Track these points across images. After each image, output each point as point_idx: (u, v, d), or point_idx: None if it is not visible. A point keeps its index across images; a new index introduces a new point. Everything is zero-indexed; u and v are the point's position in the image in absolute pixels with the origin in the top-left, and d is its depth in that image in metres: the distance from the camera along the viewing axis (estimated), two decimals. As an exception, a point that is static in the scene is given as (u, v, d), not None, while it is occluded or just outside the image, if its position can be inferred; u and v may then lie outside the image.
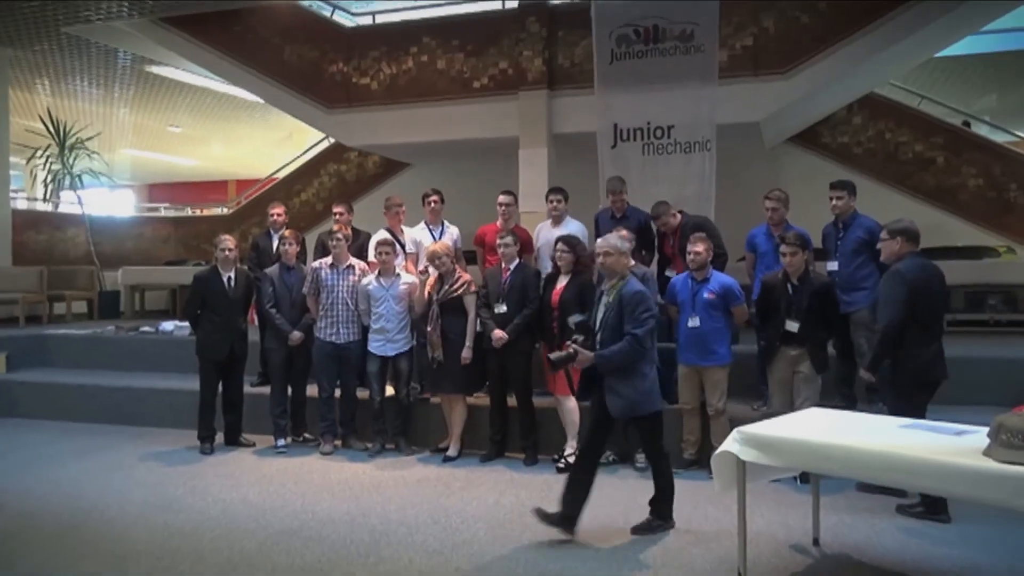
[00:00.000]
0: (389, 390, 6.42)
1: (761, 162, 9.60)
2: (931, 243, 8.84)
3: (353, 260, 6.48)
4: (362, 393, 6.45)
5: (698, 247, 5.49)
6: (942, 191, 9.42)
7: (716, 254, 5.80)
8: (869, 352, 4.76)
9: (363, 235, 7.07)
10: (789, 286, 5.30)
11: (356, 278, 6.37)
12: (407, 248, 6.73)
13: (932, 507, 4.54)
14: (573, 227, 6.43)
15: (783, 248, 5.28)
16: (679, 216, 6.38)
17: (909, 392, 4.53)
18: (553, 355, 4.44)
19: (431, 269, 6.19)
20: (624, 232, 5.71)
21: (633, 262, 5.75)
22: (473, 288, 6.08)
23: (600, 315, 4.45)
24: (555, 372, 5.12)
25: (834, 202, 5.73)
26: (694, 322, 5.47)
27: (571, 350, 4.35)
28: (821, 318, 5.23)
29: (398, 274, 6.30)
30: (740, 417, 5.60)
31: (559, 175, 8.21)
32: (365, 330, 6.35)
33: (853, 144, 9.70)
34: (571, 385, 5.64)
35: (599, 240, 4.58)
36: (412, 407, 6.41)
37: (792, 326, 5.20)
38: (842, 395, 5.68)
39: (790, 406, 5.33)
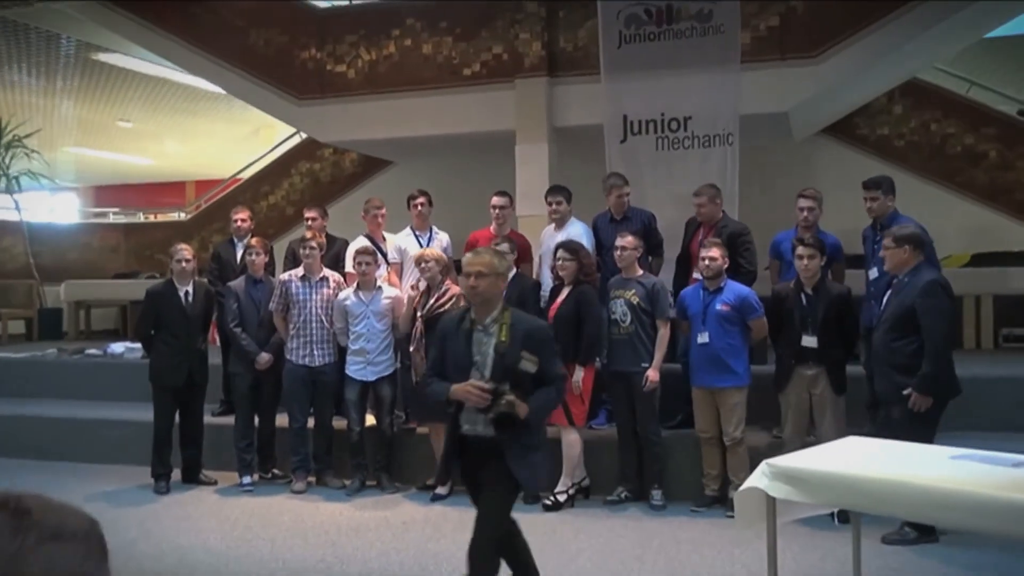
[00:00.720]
0: (370, 419, 6.44)
1: (790, 157, 9.63)
2: (983, 247, 8.95)
3: (328, 271, 6.51)
4: (339, 423, 6.46)
5: (712, 252, 5.55)
6: (995, 189, 9.45)
7: (743, 270, 5.84)
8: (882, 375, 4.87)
9: (339, 243, 7.10)
10: (803, 296, 5.35)
11: (331, 292, 6.40)
12: (390, 257, 6.75)
13: (923, 529, 4.67)
14: (576, 231, 6.47)
15: (799, 251, 5.33)
16: (722, 211, 6.36)
17: (932, 410, 4.67)
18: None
19: (422, 283, 6.23)
20: (630, 238, 5.77)
21: (640, 271, 5.83)
22: (463, 301, 6.07)
23: (490, 359, 3.63)
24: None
25: (868, 203, 5.78)
26: (703, 338, 5.53)
27: (504, 401, 3.54)
28: (838, 333, 5.28)
29: (379, 287, 6.32)
30: (761, 447, 5.64)
31: (561, 173, 8.24)
32: (342, 351, 6.37)
33: (894, 136, 9.73)
34: (569, 416, 5.66)
35: (467, 256, 3.97)
36: (396, 438, 6.42)
37: (810, 341, 5.26)
38: (872, 420, 5.70)
39: (805, 433, 5.40)
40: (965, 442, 4.32)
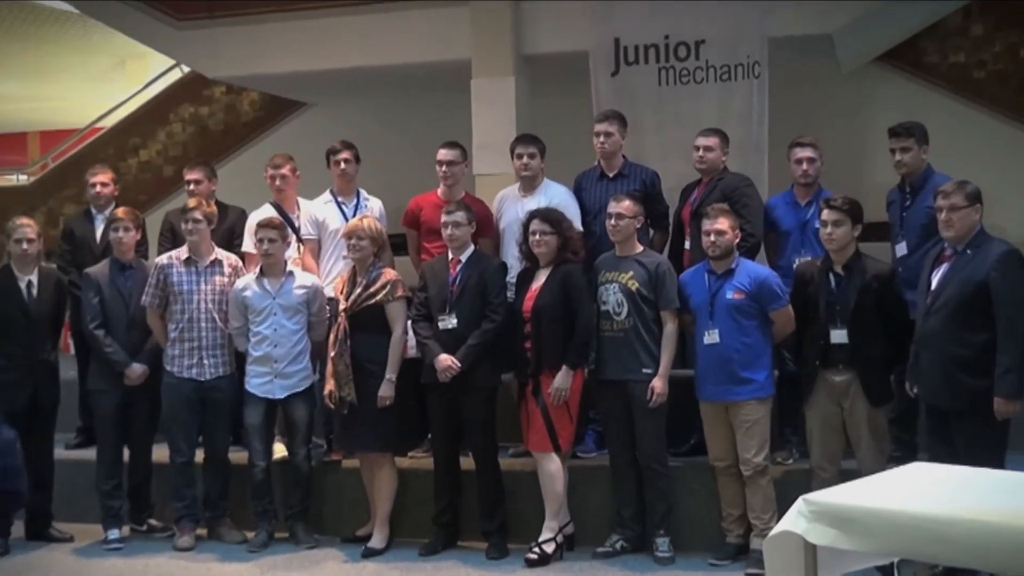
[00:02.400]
0: (280, 450, 6.42)
1: (837, 94, 9.66)
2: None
3: (220, 252, 6.47)
4: (239, 455, 6.43)
5: (719, 223, 5.58)
6: (1104, 134, 9.57)
7: (743, 235, 5.88)
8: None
9: (235, 213, 7.07)
10: (832, 277, 5.41)
11: (226, 280, 6.37)
12: (303, 232, 6.73)
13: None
14: (555, 195, 6.47)
15: (825, 215, 5.38)
16: (723, 160, 6.43)
17: (1000, 427, 4.80)
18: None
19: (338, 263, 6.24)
20: (627, 203, 5.79)
21: (640, 248, 5.86)
22: (402, 291, 6.09)
23: None
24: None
25: (898, 156, 5.87)
26: (711, 336, 5.59)
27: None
28: (879, 325, 5.34)
29: (290, 272, 6.31)
30: (790, 478, 5.74)
31: (533, 118, 8.22)
32: (241, 360, 6.35)
33: (973, 65, 9.79)
34: (554, 436, 5.69)
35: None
36: (315, 475, 6.41)
37: (838, 336, 5.33)
38: (899, 441, 5.83)
39: (838, 460, 5.47)
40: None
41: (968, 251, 4.94)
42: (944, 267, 5.05)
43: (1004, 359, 4.80)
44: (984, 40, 9.75)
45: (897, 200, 5.96)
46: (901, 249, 5.86)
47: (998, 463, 4.66)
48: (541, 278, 5.86)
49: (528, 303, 5.82)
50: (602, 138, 6.51)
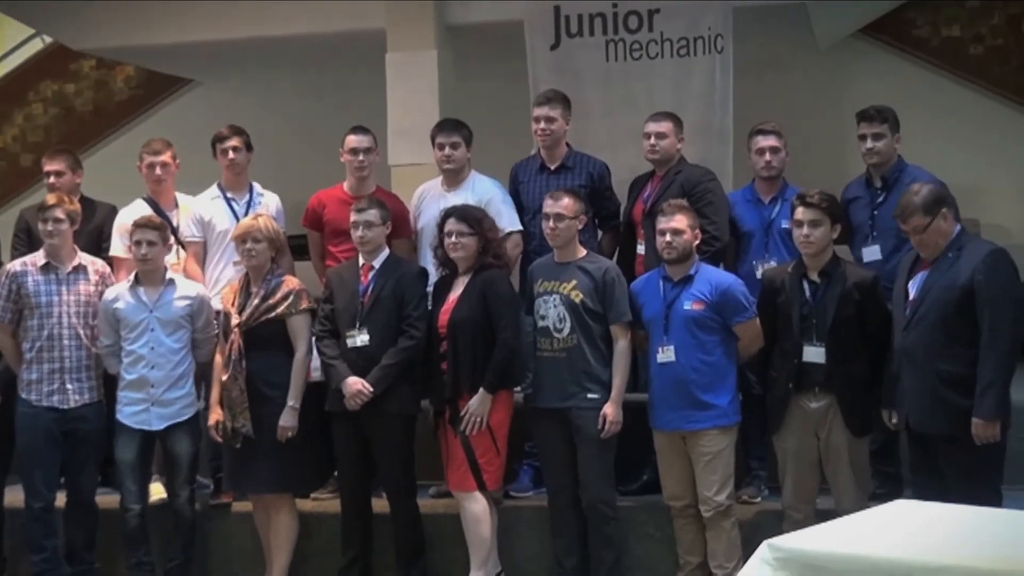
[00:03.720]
0: (157, 491, 6.37)
1: (813, 72, 9.81)
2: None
3: (84, 257, 6.42)
4: (108, 499, 6.38)
5: (676, 221, 5.61)
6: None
7: (706, 237, 5.94)
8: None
9: (104, 211, 7.01)
10: (806, 285, 5.48)
11: (92, 289, 6.31)
12: (184, 233, 6.70)
13: None
14: (484, 190, 6.49)
15: (799, 214, 5.45)
16: (678, 147, 6.47)
17: (994, 449, 4.90)
18: None
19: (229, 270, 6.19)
20: (567, 200, 5.80)
21: (585, 252, 5.88)
22: (307, 302, 6.08)
23: None
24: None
25: (869, 143, 6.01)
26: (667, 354, 5.61)
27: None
28: (861, 342, 5.41)
29: (170, 280, 6.27)
30: (756, 519, 5.80)
31: (460, 99, 8.24)
32: (112, 384, 6.29)
33: (969, 40, 9.98)
34: (477, 472, 5.68)
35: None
36: (199, 520, 6.36)
37: (814, 354, 5.39)
38: (882, 475, 5.93)
39: (812, 499, 5.53)
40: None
41: (949, 254, 5.05)
42: (923, 273, 5.15)
43: (984, 373, 4.91)
44: (981, 11, 9.95)
45: (864, 197, 6.08)
46: (871, 254, 5.96)
47: (994, 499, 4.73)
48: (459, 287, 5.87)
49: (444, 316, 5.82)
50: (542, 124, 6.53)
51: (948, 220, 5.06)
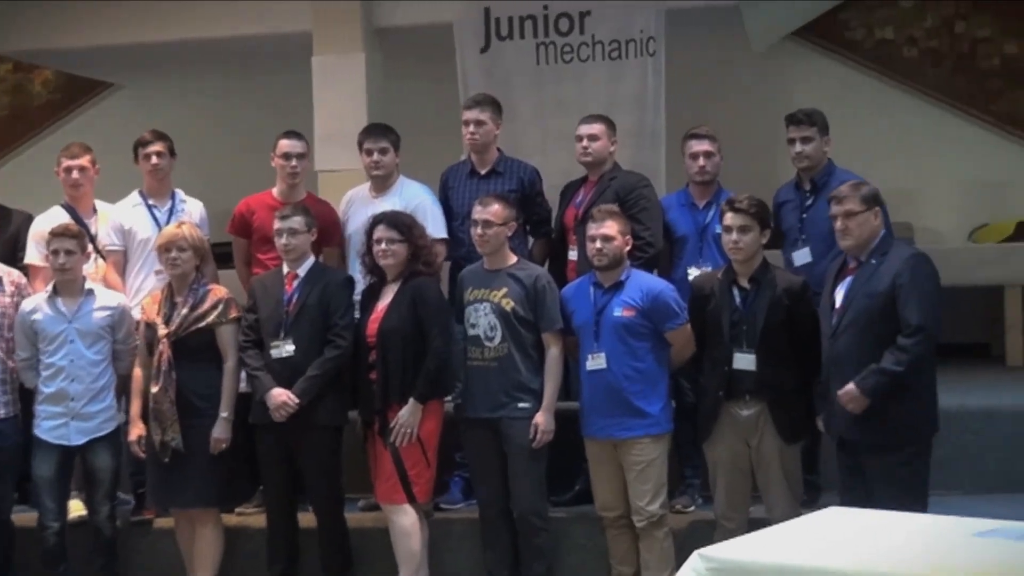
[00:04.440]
0: (77, 508, 6.32)
1: (747, 75, 9.87)
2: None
3: None
4: (26, 516, 6.34)
5: (607, 227, 5.64)
6: (1049, 122, 9.96)
7: (640, 243, 6.01)
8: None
9: (19, 218, 6.94)
10: (736, 292, 5.54)
11: (7, 300, 6.26)
12: (104, 242, 6.66)
13: None
14: (413, 196, 6.51)
15: (728, 219, 5.49)
16: (614, 159, 6.53)
17: (921, 455, 5.01)
18: None
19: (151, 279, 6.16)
20: (496, 206, 5.83)
21: (515, 259, 5.91)
22: (235, 311, 6.08)
23: None
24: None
25: (798, 147, 6.08)
26: (597, 361, 5.65)
27: None
28: (791, 348, 5.48)
29: (90, 290, 6.23)
30: (691, 528, 5.84)
31: (388, 103, 8.24)
32: (28, 398, 6.25)
33: (902, 42, 10.08)
34: (407, 485, 5.69)
35: None
36: (121, 538, 6.32)
37: (744, 361, 5.45)
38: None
39: (745, 507, 5.59)
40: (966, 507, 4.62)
41: (873, 260, 5.12)
42: (849, 280, 5.22)
43: (890, 358, 4.97)
44: (914, 13, 10.06)
45: (794, 200, 6.14)
46: (802, 257, 6.01)
47: (920, 506, 4.82)
48: (388, 295, 5.87)
49: (373, 325, 5.82)
50: (472, 127, 6.55)
51: (878, 219, 5.15)
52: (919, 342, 4.94)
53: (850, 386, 5.03)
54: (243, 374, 6.05)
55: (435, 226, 6.39)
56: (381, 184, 6.55)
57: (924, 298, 4.97)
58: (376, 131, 6.61)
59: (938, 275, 5.12)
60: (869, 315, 5.07)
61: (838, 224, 5.15)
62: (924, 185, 9.65)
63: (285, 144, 6.58)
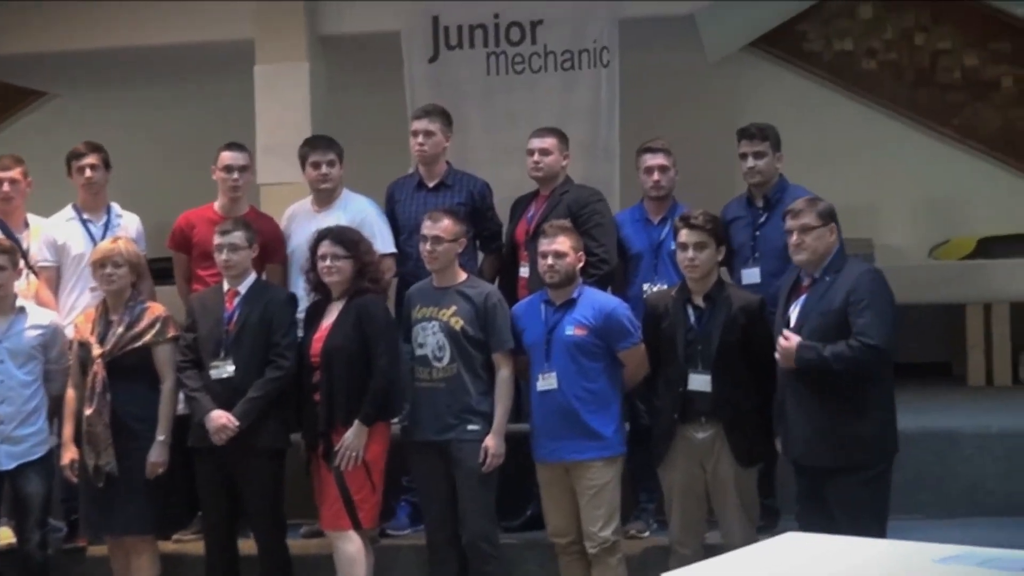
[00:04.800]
0: (6, 535, 6.29)
1: (703, 86, 9.93)
2: (996, 227, 9.50)
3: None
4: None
5: (559, 243, 5.65)
6: (1010, 136, 10.01)
7: (594, 260, 6.04)
8: None
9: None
10: (690, 310, 5.56)
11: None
12: (36, 257, 6.62)
13: None
14: (358, 210, 6.51)
15: (683, 236, 5.52)
16: (566, 172, 6.54)
17: (880, 478, 5.02)
18: None
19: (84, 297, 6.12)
20: (446, 221, 5.83)
21: (465, 275, 5.92)
22: (173, 330, 6.05)
23: None
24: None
25: (750, 162, 6.15)
26: (548, 382, 5.65)
27: None
28: (747, 368, 5.51)
29: (22, 308, 6.20)
30: (644, 554, 5.87)
31: (333, 114, 8.24)
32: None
33: (861, 54, 10.19)
34: (352, 510, 5.67)
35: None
36: (52, 567, 6.25)
37: (699, 382, 5.47)
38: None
39: (700, 533, 5.61)
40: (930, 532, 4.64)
41: (827, 277, 5.16)
42: (803, 298, 5.25)
43: (832, 348, 4.99)
44: (874, 25, 10.17)
45: (746, 216, 6.19)
46: (752, 276, 6.06)
47: (879, 531, 4.85)
48: (333, 313, 5.84)
49: (317, 344, 5.80)
50: (420, 139, 6.56)
51: (834, 235, 5.19)
52: (864, 351, 4.95)
53: (792, 342, 5.08)
54: (181, 396, 6.00)
55: (382, 241, 6.39)
56: (325, 198, 6.55)
57: (877, 314, 5.00)
58: (322, 143, 6.61)
59: (892, 292, 5.16)
60: (824, 333, 5.08)
61: (793, 238, 5.19)
62: (883, 201, 9.76)
63: (226, 156, 6.56)
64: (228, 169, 6.53)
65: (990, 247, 9.34)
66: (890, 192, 9.79)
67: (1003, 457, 6.68)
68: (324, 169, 6.49)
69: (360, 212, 6.48)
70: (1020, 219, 9.59)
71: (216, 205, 6.61)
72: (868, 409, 5.07)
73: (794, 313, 5.24)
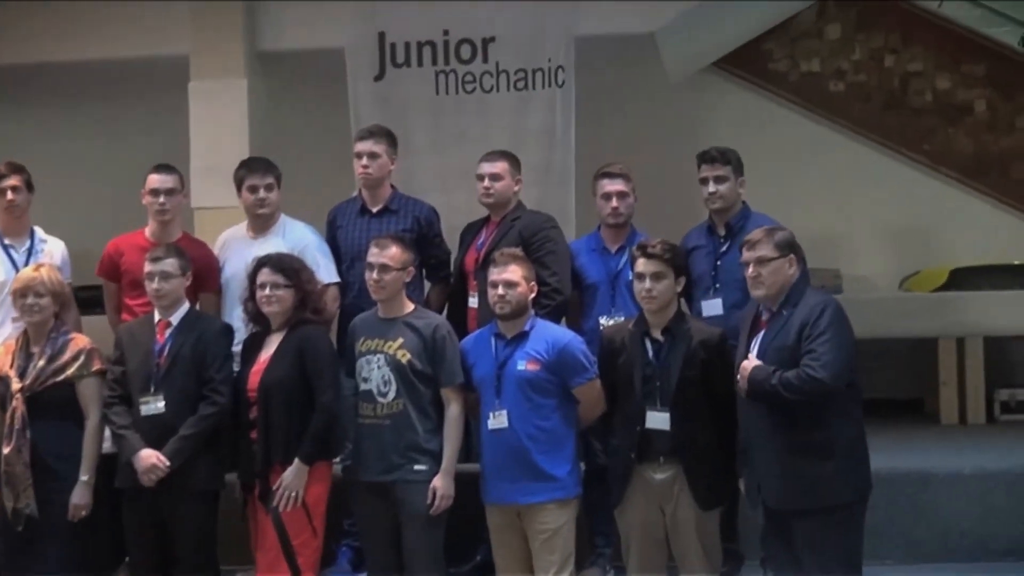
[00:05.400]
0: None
1: (664, 108, 9.96)
2: (969, 257, 9.60)
3: None
4: None
5: (510, 272, 5.65)
6: (984, 162, 10.17)
7: (546, 290, 6.08)
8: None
9: None
10: (648, 344, 5.58)
11: None
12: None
13: None
14: (298, 237, 6.53)
15: (640, 266, 5.53)
16: (518, 197, 6.58)
17: (852, 520, 5.04)
18: None
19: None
20: (394, 249, 5.83)
21: (412, 306, 5.93)
22: (98, 363, 6.02)
23: None
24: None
25: (712, 187, 6.20)
26: (499, 420, 5.64)
27: None
28: (707, 405, 5.52)
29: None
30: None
31: (272, 134, 8.24)
32: None
33: (829, 75, 10.29)
34: (290, 556, 5.65)
35: None
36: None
37: (658, 420, 5.47)
38: (722, 551, 5.96)
39: None
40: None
41: (784, 311, 5.20)
42: (762, 333, 5.29)
43: (780, 376, 5.00)
44: (842, 44, 10.30)
45: (707, 245, 6.25)
46: (713, 308, 6.11)
47: (852, 571, 4.89)
48: (272, 345, 5.82)
49: (254, 378, 5.77)
50: (364, 161, 6.58)
51: (793, 267, 5.21)
52: (809, 382, 4.95)
53: (750, 365, 5.12)
54: (108, 433, 5.97)
55: (325, 270, 6.40)
56: (262, 224, 6.56)
57: (828, 346, 4.99)
58: (260, 166, 6.62)
59: (847, 323, 5.16)
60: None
61: (750, 271, 5.22)
62: (852, 230, 9.85)
63: (153, 179, 6.53)
64: (155, 193, 6.50)
65: (963, 278, 9.43)
66: (859, 220, 9.87)
67: (977, 499, 6.75)
68: (262, 193, 6.50)
69: (299, 240, 6.48)
70: (994, 249, 9.74)
71: (147, 231, 6.59)
72: (837, 446, 5.08)
73: (754, 349, 5.26)
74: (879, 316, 7.66)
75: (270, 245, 6.32)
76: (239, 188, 6.58)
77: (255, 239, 6.52)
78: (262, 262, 5.86)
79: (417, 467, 5.71)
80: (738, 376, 5.18)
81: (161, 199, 6.49)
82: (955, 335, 9.09)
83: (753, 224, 5.92)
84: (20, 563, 5.97)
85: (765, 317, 5.28)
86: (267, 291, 5.77)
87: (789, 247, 5.22)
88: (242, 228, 6.66)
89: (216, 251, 6.70)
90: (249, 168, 6.62)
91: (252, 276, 5.87)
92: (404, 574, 5.78)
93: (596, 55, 8.08)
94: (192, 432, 5.79)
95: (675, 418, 5.43)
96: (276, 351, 5.80)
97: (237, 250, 6.56)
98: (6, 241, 6.60)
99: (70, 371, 5.91)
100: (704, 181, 6.19)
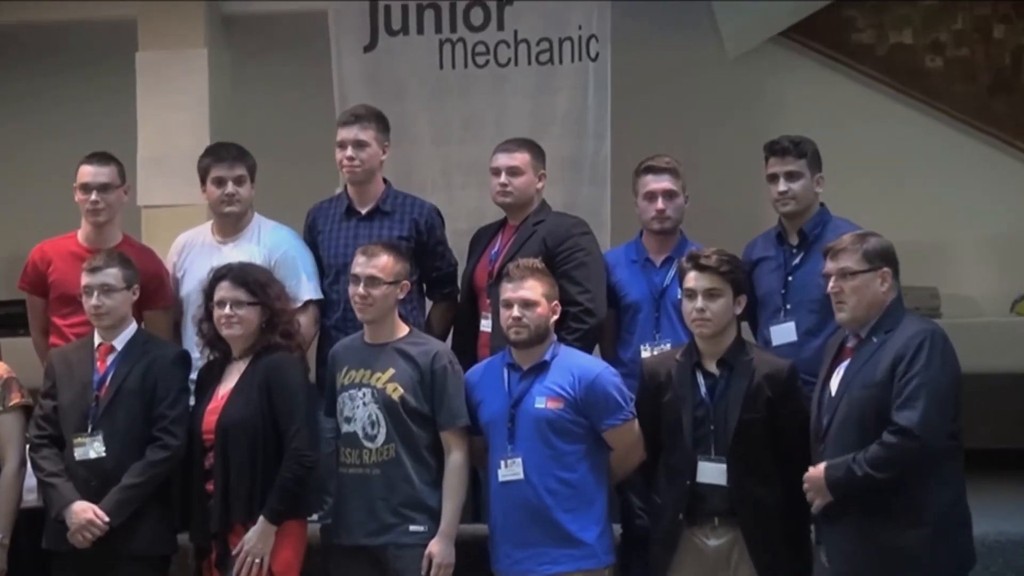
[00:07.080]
0: None
1: (721, 88, 9.97)
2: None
3: None
4: None
5: (527, 289, 5.63)
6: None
7: (575, 311, 6.05)
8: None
9: None
10: (701, 379, 5.55)
11: None
12: None
13: None
14: (277, 243, 6.54)
15: (690, 281, 5.51)
16: (541, 195, 6.58)
17: None
18: None
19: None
20: (384, 258, 5.82)
21: (407, 329, 5.90)
22: (18, 395, 6.03)
23: None
24: None
25: (782, 186, 6.16)
26: (512, 470, 5.61)
27: None
28: (773, 454, 5.49)
29: None
30: None
31: (237, 116, 8.26)
32: None
33: (925, 49, 10.26)
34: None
35: None
36: None
37: (713, 473, 5.43)
38: None
39: None
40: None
41: (874, 338, 5.14)
42: (845, 363, 5.24)
43: (862, 455, 4.95)
44: (941, 12, 10.21)
45: (776, 257, 6.21)
46: (783, 334, 6.06)
47: None
48: (233, 377, 5.81)
49: (211, 418, 5.75)
50: (350, 151, 6.55)
51: (887, 284, 5.16)
52: (904, 440, 4.89)
53: (819, 469, 5.07)
54: (32, 481, 5.95)
55: (307, 285, 6.42)
56: (232, 225, 6.55)
57: (925, 391, 4.92)
58: (229, 154, 6.58)
59: (955, 361, 5.10)
60: (862, 414, 5.06)
61: (831, 286, 5.20)
62: (952, 239, 9.79)
63: (86, 171, 6.49)
64: (86, 188, 6.45)
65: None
66: (960, 228, 9.81)
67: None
68: (230, 187, 6.47)
69: (279, 245, 6.49)
70: None
71: (80, 235, 6.56)
72: (929, 511, 5.01)
73: (835, 384, 5.22)
74: (985, 346, 7.58)
75: (242, 252, 6.34)
76: (203, 180, 6.55)
77: (223, 244, 6.52)
78: (220, 274, 5.84)
79: (412, 528, 5.69)
80: (806, 489, 5.13)
81: (93, 196, 6.44)
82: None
83: (833, 231, 5.89)
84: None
85: (851, 344, 5.24)
86: (227, 309, 5.74)
87: (882, 258, 5.17)
88: (206, 230, 6.64)
89: (173, 258, 6.69)
90: (216, 156, 6.57)
91: (208, 291, 5.85)
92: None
93: (637, 22, 8.06)
94: (138, 481, 5.77)
95: (733, 471, 5.40)
96: (237, 384, 5.78)
97: (200, 257, 6.54)
98: None
99: (-16, 407, 5.90)
100: (773, 178, 6.16)
